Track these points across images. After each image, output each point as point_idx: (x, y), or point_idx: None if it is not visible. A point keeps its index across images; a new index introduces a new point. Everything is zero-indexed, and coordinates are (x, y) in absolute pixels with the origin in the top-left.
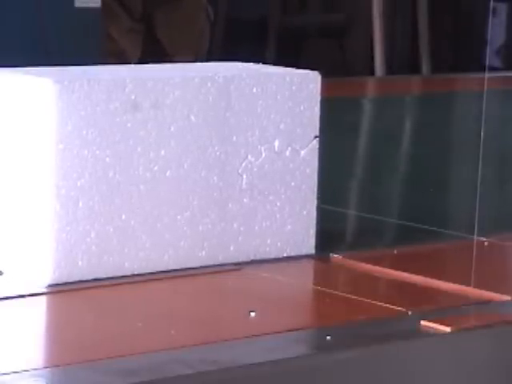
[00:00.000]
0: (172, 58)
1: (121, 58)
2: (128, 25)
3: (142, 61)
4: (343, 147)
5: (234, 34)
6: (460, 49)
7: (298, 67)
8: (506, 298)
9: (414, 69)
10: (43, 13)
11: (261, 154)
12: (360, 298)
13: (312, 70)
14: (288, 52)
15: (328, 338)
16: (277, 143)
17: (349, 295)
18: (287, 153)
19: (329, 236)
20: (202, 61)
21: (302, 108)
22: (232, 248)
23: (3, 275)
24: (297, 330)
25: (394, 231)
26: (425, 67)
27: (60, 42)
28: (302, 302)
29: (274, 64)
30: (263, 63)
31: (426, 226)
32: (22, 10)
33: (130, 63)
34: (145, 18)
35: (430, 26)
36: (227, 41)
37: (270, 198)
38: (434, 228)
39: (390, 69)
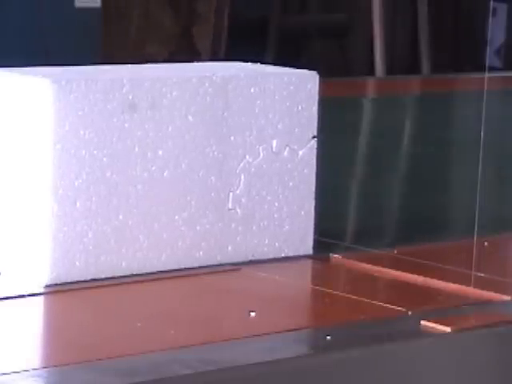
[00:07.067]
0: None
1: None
2: None
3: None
4: (343, 147)
5: (233, 33)
6: (460, 49)
7: (298, 67)
8: (506, 298)
9: (414, 69)
10: (43, 13)
11: (259, 154)
12: (360, 298)
13: (312, 70)
14: (288, 52)
15: (328, 337)
16: (275, 143)
17: (349, 295)
18: (285, 153)
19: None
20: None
21: (300, 108)
22: (230, 248)
23: (1, 275)
24: (296, 330)
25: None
26: (425, 67)
27: (60, 42)
28: (302, 302)
29: (274, 64)
30: (263, 63)
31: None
32: (22, 10)
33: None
34: None
35: (430, 26)
36: (227, 40)
37: (268, 198)
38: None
39: (390, 69)
